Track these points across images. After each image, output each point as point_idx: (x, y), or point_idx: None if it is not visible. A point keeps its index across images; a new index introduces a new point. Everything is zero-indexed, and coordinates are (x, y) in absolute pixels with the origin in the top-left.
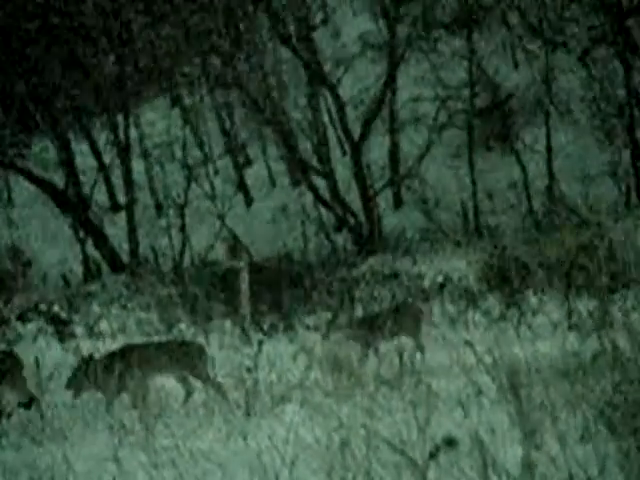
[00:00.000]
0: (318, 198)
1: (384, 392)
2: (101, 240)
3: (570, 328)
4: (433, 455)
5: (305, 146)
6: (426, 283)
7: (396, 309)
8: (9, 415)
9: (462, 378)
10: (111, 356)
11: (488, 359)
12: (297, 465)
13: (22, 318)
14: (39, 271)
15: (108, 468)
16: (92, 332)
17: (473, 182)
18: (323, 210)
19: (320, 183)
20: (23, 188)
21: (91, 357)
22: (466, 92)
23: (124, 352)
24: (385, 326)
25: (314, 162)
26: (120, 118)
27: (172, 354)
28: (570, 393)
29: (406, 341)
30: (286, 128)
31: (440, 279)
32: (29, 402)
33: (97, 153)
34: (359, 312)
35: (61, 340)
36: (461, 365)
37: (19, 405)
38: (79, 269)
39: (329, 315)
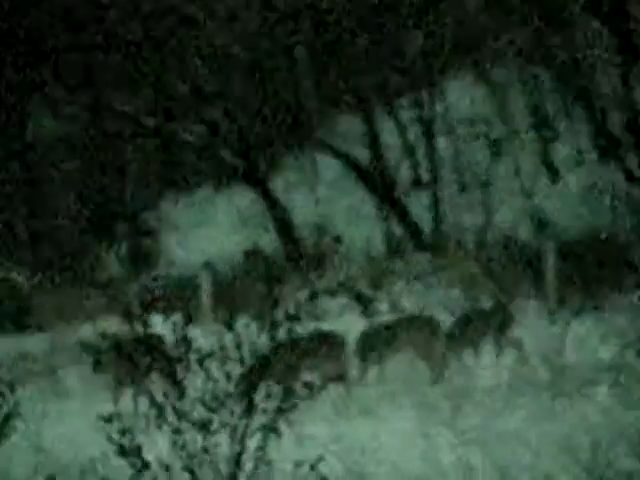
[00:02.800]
0: (630, 176)
1: None
2: (405, 217)
3: None
4: None
5: (614, 121)
6: None
7: None
8: (322, 388)
9: None
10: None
11: None
12: (614, 450)
13: (329, 294)
14: (345, 248)
15: (416, 444)
16: (396, 309)
17: None
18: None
19: (632, 161)
20: (329, 165)
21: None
22: None
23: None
24: None
25: (625, 138)
26: (425, 94)
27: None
28: None
29: None
30: (595, 103)
31: None
32: None
33: (402, 130)
34: None
35: (366, 317)
36: None
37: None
38: (383, 246)
39: None
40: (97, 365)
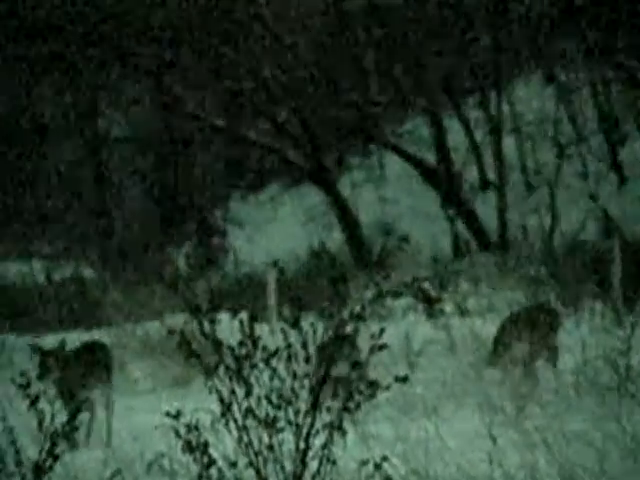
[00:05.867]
0: None
1: None
2: (471, 218)
3: None
4: None
5: None
6: None
7: None
8: (387, 388)
9: None
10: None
11: None
12: None
13: (394, 294)
14: (411, 248)
15: (481, 445)
16: (460, 310)
17: None
18: None
19: None
20: (396, 165)
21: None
22: None
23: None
24: None
25: None
26: (493, 95)
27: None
28: None
29: None
30: None
31: None
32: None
33: (469, 131)
34: None
35: (430, 317)
36: None
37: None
38: (448, 247)
39: None
40: (162, 362)
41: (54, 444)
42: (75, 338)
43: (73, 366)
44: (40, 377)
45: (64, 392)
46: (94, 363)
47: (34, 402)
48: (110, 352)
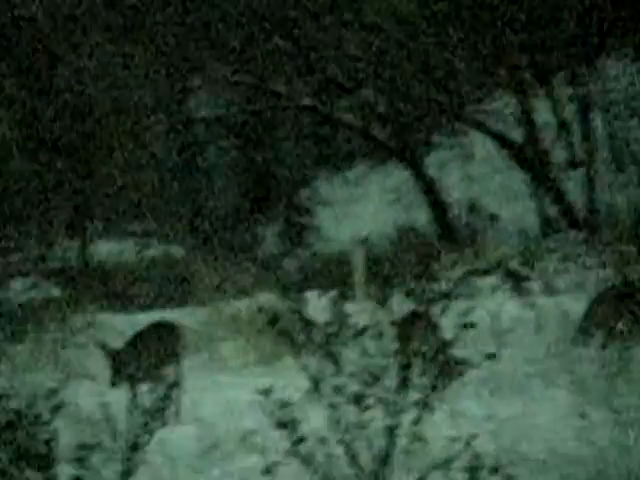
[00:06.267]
0: None
1: None
2: (559, 196)
3: None
4: None
5: None
6: None
7: None
8: (475, 366)
9: None
10: None
11: None
12: None
13: (482, 272)
14: (498, 226)
15: (571, 424)
16: (549, 288)
17: None
18: None
19: None
20: (482, 143)
21: None
22: None
23: None
24: None
25: None
26: (581, 72)
27: None
28: None
29: None
30: None
31: None
32: None
33: (557, 108)
34: None
35: (518, 295)
36: None
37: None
38: (536, 225)
39: None
40: (252, 339)
41: (148, 420)
42: (165, 316)
43: (143, 348)
44: (113, 383)
45: (135, 374)
46: (164, 343)
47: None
48: (180, 331)
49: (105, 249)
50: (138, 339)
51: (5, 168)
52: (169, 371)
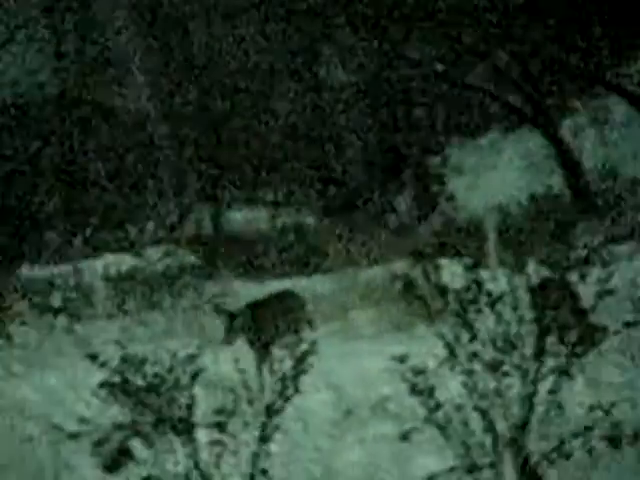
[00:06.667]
0: None
1: None
2: None
3: None
4: None
5: None
6: None
7: None
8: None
9: None
10: None
11: None
12: None
13: (620, 239)
14: (637, 192)
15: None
16: None
17: None
18: None
19: None
20: (620, 108)
21: None
22: None
23: None
24: None
25: None
26: None
27: None
28: None
29: None
30: None
31: None
32: None
33: None
34: None
35: None
36: None
37: None
38: None
39: None
40: (386, 307)
41: (283, 387)
42: (295, 285)
43: (262, 318)
44: (228, 342)
45: (255, 343)
46: (285, 312)
47: None
48: (302, 301)
49: (238, 217)
50: (258, 305)
51: (145, 139)
52: (301, 339)
